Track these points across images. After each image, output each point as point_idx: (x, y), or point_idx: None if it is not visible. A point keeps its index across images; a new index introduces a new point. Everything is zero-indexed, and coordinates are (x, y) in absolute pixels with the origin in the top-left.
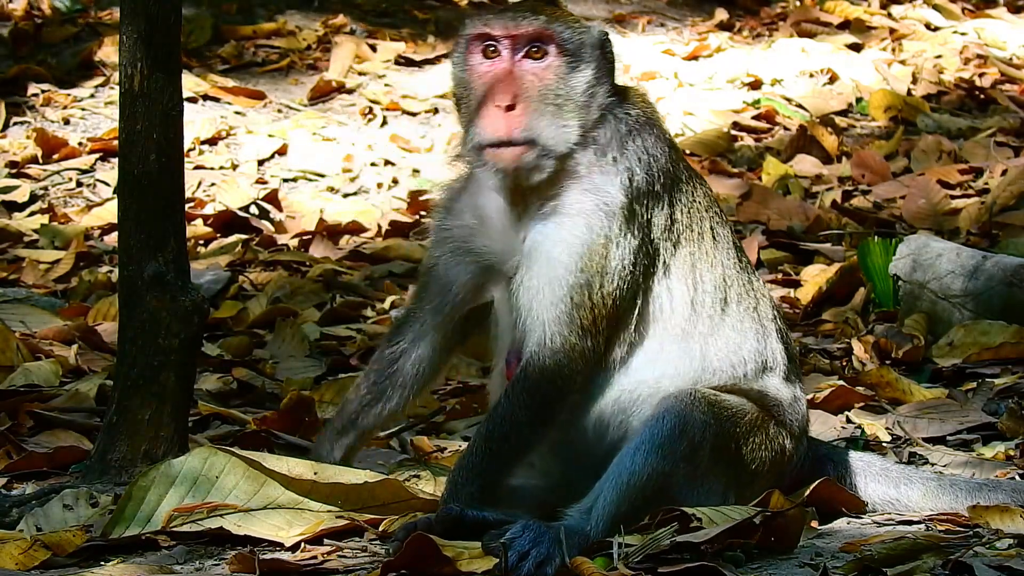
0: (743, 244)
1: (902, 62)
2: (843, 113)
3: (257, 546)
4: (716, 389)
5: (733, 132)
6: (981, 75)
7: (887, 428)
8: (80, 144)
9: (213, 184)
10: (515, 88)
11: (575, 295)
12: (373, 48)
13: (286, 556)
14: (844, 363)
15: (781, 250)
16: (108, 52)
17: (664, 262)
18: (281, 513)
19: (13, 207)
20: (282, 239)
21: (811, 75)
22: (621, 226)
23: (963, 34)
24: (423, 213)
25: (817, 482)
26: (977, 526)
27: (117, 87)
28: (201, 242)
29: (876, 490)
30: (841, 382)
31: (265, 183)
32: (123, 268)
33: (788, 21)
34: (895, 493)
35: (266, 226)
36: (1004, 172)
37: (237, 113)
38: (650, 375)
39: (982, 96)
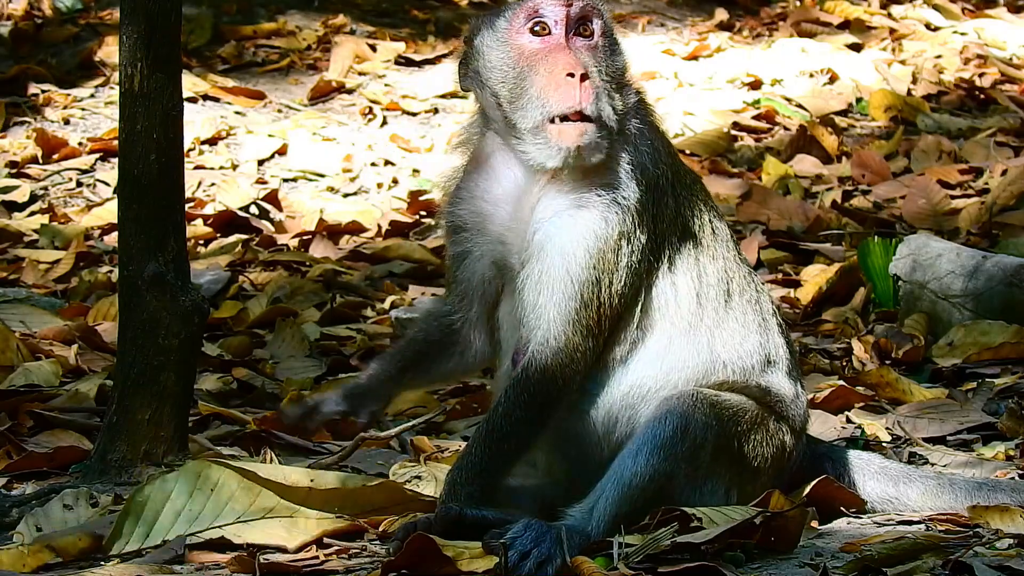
0: (743, 244)
1: (902, 62)
2: (843, 113)
3: (258, 550)
4: (719, 386)
5: (733, 132)
6: (981, 75)
7: (887, 428)
8: (80, 144)
9: (213, 184)
10: (576, 62)
11: (585, 292)
12: (373, 48)
13: (286, 557)
14: (844, 363)
15: (781, 250)
16: (108, 52)
17: (669, 257)
18: (280, 522)
19: (13, 207)
20: (282, 239)
21: (811, 75)
22: (635, 221)
23: (963, 34)
24: (423, 213)
25: (816, 480)
26: (977, 526)
27: (117, 87)
28: (201, 242)
29: (875, 488)
30: (841, 382)
31: (265, 183)
32: (123, 268)
33: (788, 21)
34: (894, 491)
35: (266, 226)
36: (1004, 172)
37: (237, 113)
38: (659, 370)
39: (982, 96)
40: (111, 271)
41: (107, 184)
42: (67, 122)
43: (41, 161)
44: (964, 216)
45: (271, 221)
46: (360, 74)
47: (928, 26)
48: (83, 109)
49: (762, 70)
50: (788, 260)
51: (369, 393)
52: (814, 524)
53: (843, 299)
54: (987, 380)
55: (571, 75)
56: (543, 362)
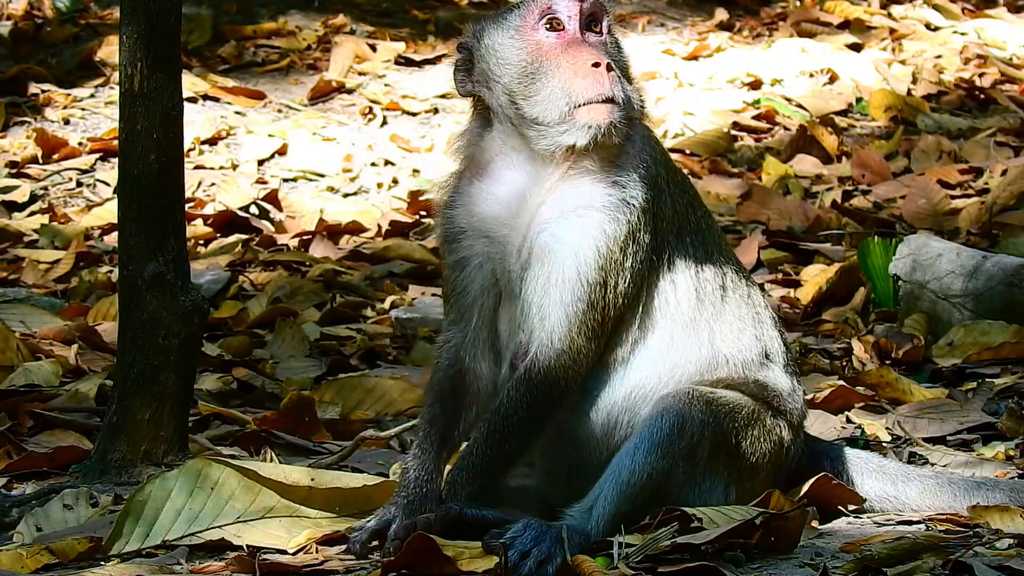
0: (743, 244)
1: (902, 62)
2: (843, 113)
3: (258, 550)
4: (716, 383)
5: (733, 132)
6: (981, 75)
7: (887, 428)
8: (80, 144)
9: (213, 184)
10: (595, 53)
11: (593, 293)
12: (373, 48)
13: (287, 557)
14: (844, 363)
15: (781, 250)
16: (108, 52)
17: (668, 256)
18: (280, 521)
19: (13, 207)
20: (282, 239)
21: (811, 75)
22: (641, 221)
23: (963, 34)
24: (423, 213)
25: (814, 478)
26: (977, 526)
27: (117, 87)
28: (201, 242)
29: (873, 487)
30: (841, 382)
31: (265, 183)
32: (123, 268)
33: (788, 21)
34: (892, 490)
35: (266, 226)
36: (1004, 172)
37: (237, 113)
38: (662, 368)
39: (982, 96)
40: (111, 271)
41: (107, 184)
42: (67, 122)
43: (41, 161)
44: (964, 216)
45: (271, 221)
46: (360, 74)
47: (928, 26)
48: (83, 109)
49: (762, 70)
50: (788, 260)
51: (427, 497)
52: (814, 524)
53: (843, 299)
54: (987, 380)
55: (596, 65)
56: (546, 363)
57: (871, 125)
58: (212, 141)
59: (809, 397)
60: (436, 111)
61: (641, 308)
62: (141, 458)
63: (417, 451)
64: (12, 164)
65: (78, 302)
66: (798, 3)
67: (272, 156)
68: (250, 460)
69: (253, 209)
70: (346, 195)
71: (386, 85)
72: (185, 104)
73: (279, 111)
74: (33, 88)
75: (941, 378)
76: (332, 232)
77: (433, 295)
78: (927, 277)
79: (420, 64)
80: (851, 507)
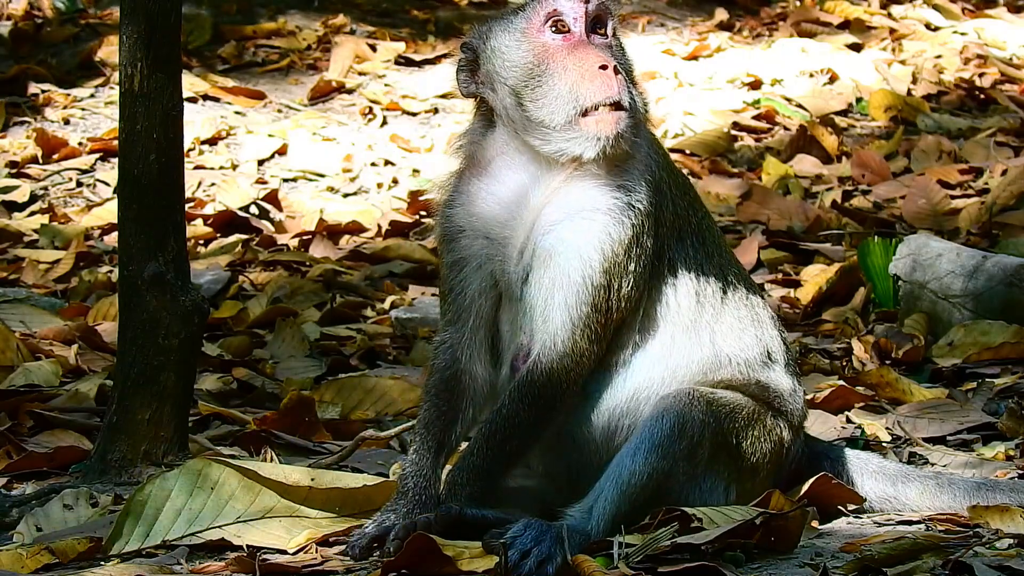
0: (743, 244)
1: (902, 62)
2: (843, 113)
3: (258, 551)
4: (718, 383)
5: (733, 132)
6: (981, 75)
7: (887, 428)
8: (80, 144)
9: (213, 184)
10: (602, 56)
11: (597, 296)
12: (373, 48)
13: (286, 557)
14: (844, 363)
15: (781, 250)
16: (108, 52)
17: (669, 259)
18: (280, 522)
19: (13, 207)
20: (282, 239)
21: (811, 75)
22: (644, 224)
23: (963, 34)
24: (423, 213)
25: (814, 478)
26: (977, 526)
27: (117, 87)
28: (201, 242)
29: (873, 487)
30: (841, 382)
31: (265, 183)
32: (123, 268)
33: (788, 21)
34: (892, 491)
35: (266, 226)
36: (1004, 172)
37: (237, 113)
38: (664, 370)
39: (982, 96)
40: (111, 271)
41: (107, 184)
42: (67, 122)
43: (41, 161)
44: (964, 216)
45: (271, 221)
46: (360, 74)
47: (928, 26)
48: (83, 109)
49: (762, 70)
50: (788, 260)
51: (425, 502)
52: (814, 524)
53: (843, 299)
54: (987, 380)
55: (603, 67)
56: (548, 365)
57: (871, 125)
58: (212, 141)
59: (809, 397)
60: (436, 111)
61: (643, 311)
62: (141, 458)
63: (414, 455)
64: (12, 164)
65: (78, 302)
66: (798, 3)
67: (272, 156)
68: (250, 460)
69: (253, 209)
70: (346, 195)
71: (386, 85)
72: (185, 104)
73: (279, 111)
74: (33, 88)
75: (941, 378)
76: (332, 232)
77: (433, 295)
78: (927, 277)
79: (420, 64)
80: (851, 507)
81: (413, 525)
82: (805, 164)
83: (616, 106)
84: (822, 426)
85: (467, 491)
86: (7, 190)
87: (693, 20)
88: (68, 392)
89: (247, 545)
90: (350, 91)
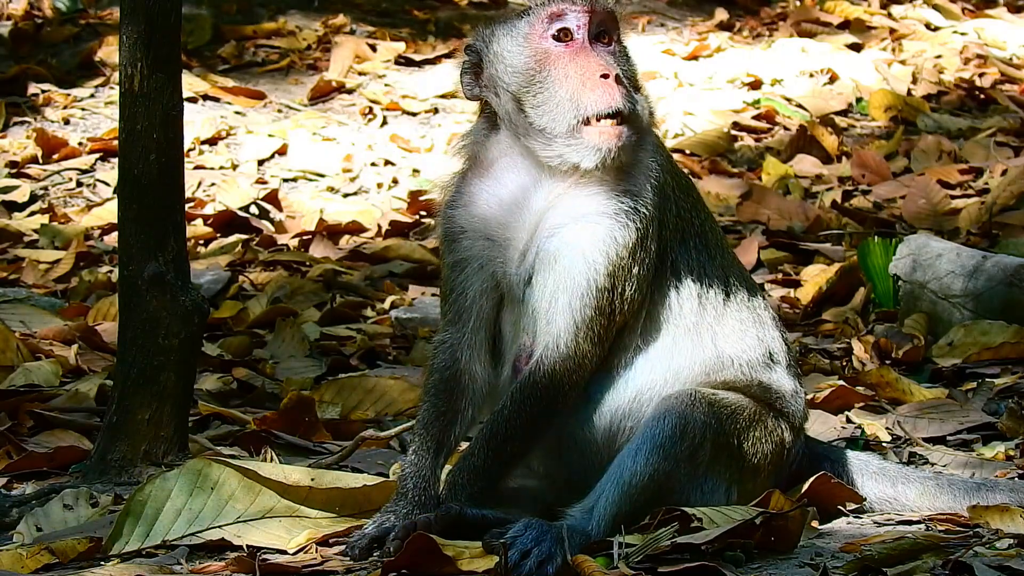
0: (743, 244)
1: (902, 62)
2: (843, 113)
3: (258, 551)
4: (719, 385)
5: (733, 132)
6: (981, 75)
7: (887, 428)
8: (80, 144)
9: (213, 184)
10: (604, 64)
11: (601, 299)
12: (373, 48)
13: (286, 557)
14: (844, 363)
15: (781, 250)
16: (108, 52)
17: (671, 261)
18: (280, 522)
19: (13, 207)
20: (282, 239)
21: (811, 75)
22: (648, 228)
23: (963, 34)
24: (423, 213)
25: (814, 477)
26: (977, 526)
27: (117, 87)
28: (201, 242)
29: (873, 488)
30: (841, 382)
31: (265, 183)
32: (123, 268)
33: (788, 21)
34: (892, 492)
35: (266, 226)
36: (1004, 172)
37: (237, 113)
38: (667, 371)
39: (982, 96)
40: (111, 271)
41: (107, 184)
42: (67, 122)
43: (41, 161)
44: (964, 216)
45: (271, 221)
46: (360, 74)
47: (928, 26)
48: (83, 109)
49: (762, 70)
50: (788, 260)
51: (425, 503)
52: (814, 524)
53: (843, 299)
54: (987, 380)
55: (605, 76)
56: (550, 367)
57: (871, 125)
58: (212, 141)
59: (809, 397)
60: (436, 111)
61: (645, 313)
62: (141, 458)
63: (413, 456)
64: (12, 164)
65: (78, 302)
66: (798, 3)
67: (272, 156)
68: (250, 460)
69: (253, 209)
70: (346, 195)
71: (386, 85)
72: (185, 104)
73: (279, 111)
74: (33, 88)
75: (941, 378)
76: (332, 232)
77: (433, 295)
78: (927, 277)
79: (420, 64)
80: (851, 507)
81: (413, 525)
82: (805, 164)
83: (617, 115)
84: (822, 426)
85: (467, 491)
86: (7, 190)
87: (693, 20)
88: (68, 392)
89: (247, 545)
90: (350, 91)
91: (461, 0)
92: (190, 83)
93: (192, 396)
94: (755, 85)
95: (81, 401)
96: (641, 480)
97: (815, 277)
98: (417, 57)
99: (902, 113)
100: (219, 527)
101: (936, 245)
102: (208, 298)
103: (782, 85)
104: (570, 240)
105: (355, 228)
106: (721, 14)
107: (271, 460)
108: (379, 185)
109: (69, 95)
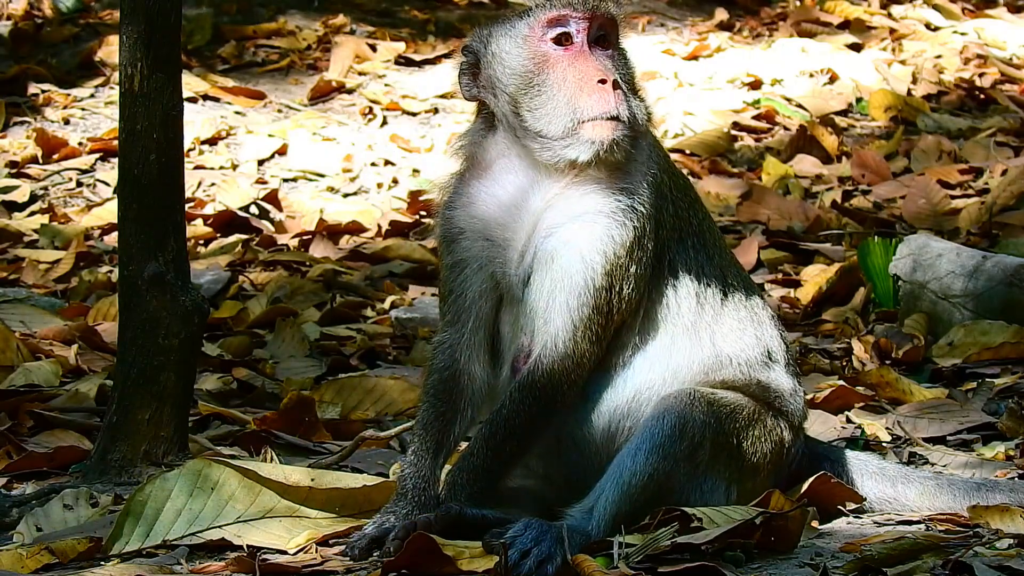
0: (743, 244)
1: (902, 62)
2: (843, 113)
3: (258, 551)
4: (718, 384)
5: (733, 132)
6: (981, 75)
7: (887, 428)
8: (80, 144)
9: (213, 184)
10: (602, 69)
11: (599, 298)
12: (373, 48)
13: (286, 558)
14: (844, 363)
15: (781, 250)
16: (108, 52)
17: (669, 260)
18: (280, 522)
19: (13, 207)
20: (282, 239)
21: (811, 75)
22: (646, 227)
23: (963, 34)
24: (423, 213)
25: (813, 477)
26: (977, 526)
27: (117, 87)
28: (201, 242)
29: (873, 488)
30: (841, 382)
31: (265, 183)
32: (123, 268)
33: (788, 21)
34: (892, 492)
35: (266, 226)
36: (1004, 172)
37: (237, 113)
38: (665, 370)
39: (982, 96)
40: (111, 271)
41: (107, 184)
42: (67, 122)
43: (41, 161)
44: (964, 216)
45: (271, 221)
46: (360, 74)
47: (928, 26)
48: (83, 109)
49: (762, 70)
50: (788, 260)
51: (425, 504)
52: (814, 524)
53: (843, 299)
54: (987, 380)
55: (603, 81)
56: (549, 367)
57: (871, 125)
58: (212, 141)
59: (809, 397)
60: (436, 111)
61: (643, 312)
62: (141, 458)
63: (413, 457)
64: (12, 164)
65: (78, 302)
66: (798, 3)
67: (272, 156)
68: (250, 460)
69: (253, 209)
70: (346, 195)
71: (386, 85)
72: (185, 104)
73: (279, 111)
74: (33, 88)
75: (941, 378)
76: (332, 232)
77: (433, 295)
78: (927, 277)
79: (420, 64)
80: (851, 507)
81: (413, 525)
82: (805, 164)
83: (613, 119)
84: (822, 426)
85: (467, 491)
86: (7, 190)
87: (693, 20)
88: (68, 392)
89: (247, 545)
90: (350, 91)
91: (461, 0)
92: (190, 83)
93: (192, 396)
94: (755, 85)
95: (81, 401)
96: (641, 480)
97: (815, 277)
98: (417, 57)
99: (902, 113)
100: (219, 527)
101: (936, 245)
102: (208, 298)
103: (782, 85)
104: (567, 239)
105: (355, 228)
106: (721, 14)
107: (271, 460)
108: (379, 185)
109: (69, 95)
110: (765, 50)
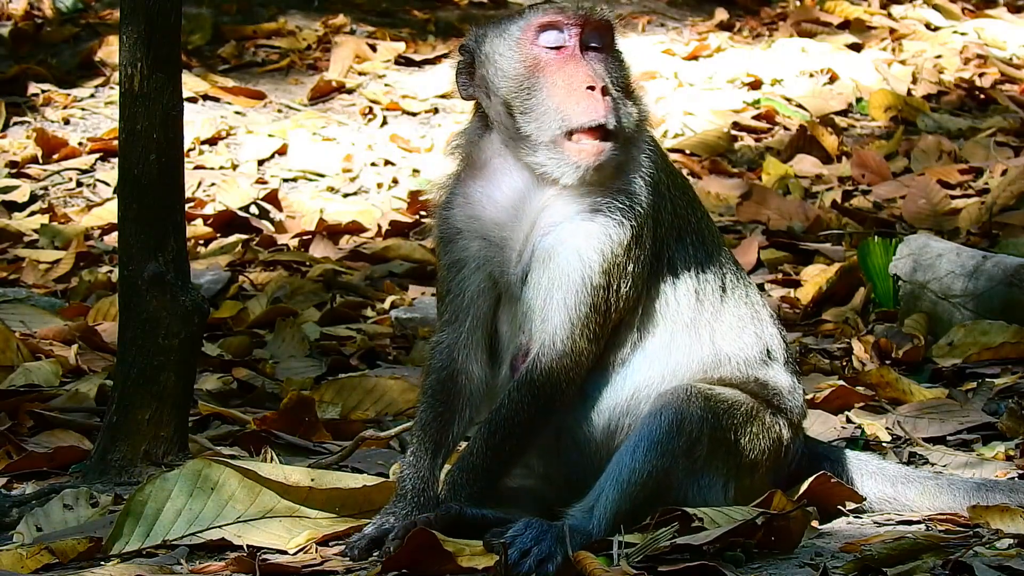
0: (743, 244)
1: (902, 62)
2: (843, 113)
3: (258, 551)
4: (717, 381)
5: (733, 132)
6: (981, 75)
7: (887, 428)
8: (80, 144)
9: (213, 184)
10: (593, 75)
11: (596, 296)
12: (373, 48)
13: (286, 558)
14: (844, 363)
15: (781, 250)
16: (108, 52)
17: (668, 259)
18: (280, 522)
19: (13, 207)
20: (282, 239)
21: (811, 75)
22: (644, 225)
23: (963, 34)
24: (423, 213)
25: (813, 477)
26: (977, 526)
27: (117, 87)
28: (201, 242)
29: (872, 488)
30: (841, 382)
31: (265, 183)
32: (123, 268)
33: (788, 21)
34: (892, 492)
35: (266, 226)
36: (1004, 172)
37: (237, 113)
38: (664, 368)
39: (982, 96)
40: (111, 271)
41: (107, 184)
42: (67, 122)
43: (41, 161)
44: (964, 216)
45: (271, 221)
46: (360, 74)
47: (928, 26)
48: (83, 109)
49: (762, 70)
50: (788, 260)
51: (424, 504)
52: (814, 524)
53: (843, 299)
54: (987, 380)
55: (591, 88)
56: (547, 365)
57: (871, 125)
58: (212, 141)
59: (809, 397)
60: (436, 111)
61: (642, 310)
62: (141, 458)
63: (412, 457)
64: (12, 164)
65: (78, 302)
66: (798, 3)
67: (272, 156)
68: (250, 460)
69: (253, 209)
70: (346, 195)
71: (386, 85)
72: (185, 104)
73: (279, 111)
74: (33, 88)
75: (941, 378)
76: (332, 232)
77: (433, 295)
78: (927, 277)
79: (420, 64)
80: (851, 507)
81: (413, 525)
82: (805, 164)
83: (602, 130)
84: (822, 426)
85: (467, 491)
86: (7, 190)
87: (693, 20)
88: (68, 392)
89: (247, 545)
90: (350, 91)
91: (461, 0)
92: (190, 83)
93: (192, 396)
94: (755, 85)
95: (81, 401)
96: (640, 478)
97: (815, 277)
98: (417, 57)
99: (902, 113)
100: (219, 527)
101: (936, 245)
102: (208, 298)
103: (782, 85)
104: (565, 238)
105: (355, 228)
106: (721, 14)
107: (271, 460)
108: (379, 185)
109: (69, 95)
110: (765, 50)
